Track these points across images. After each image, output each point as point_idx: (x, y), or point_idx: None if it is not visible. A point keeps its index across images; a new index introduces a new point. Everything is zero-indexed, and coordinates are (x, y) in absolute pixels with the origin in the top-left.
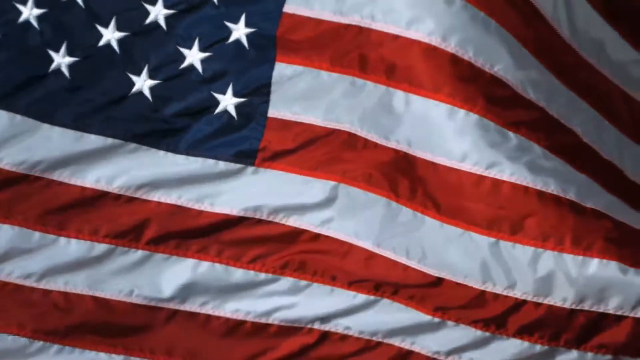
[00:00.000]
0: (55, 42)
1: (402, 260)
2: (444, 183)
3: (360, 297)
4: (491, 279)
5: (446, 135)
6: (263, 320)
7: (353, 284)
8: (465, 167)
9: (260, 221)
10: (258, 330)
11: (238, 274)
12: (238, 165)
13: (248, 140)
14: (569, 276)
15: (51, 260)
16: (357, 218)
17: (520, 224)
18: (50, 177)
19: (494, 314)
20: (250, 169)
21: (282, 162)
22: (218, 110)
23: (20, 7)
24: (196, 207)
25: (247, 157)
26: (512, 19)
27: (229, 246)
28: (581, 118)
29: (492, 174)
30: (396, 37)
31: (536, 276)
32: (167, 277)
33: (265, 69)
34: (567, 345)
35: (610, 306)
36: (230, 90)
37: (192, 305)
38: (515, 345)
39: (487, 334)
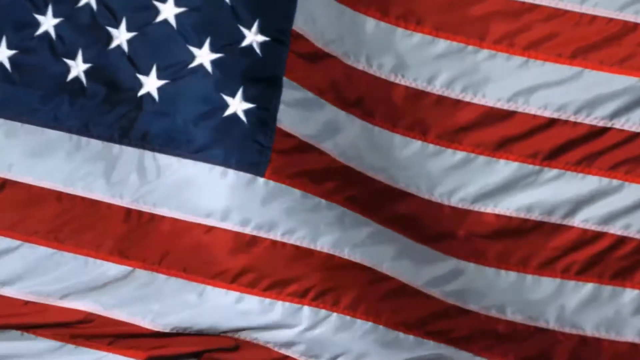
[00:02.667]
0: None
1: None
2: None
3: None
4: None
5: None
6: None
7: None
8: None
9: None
10: None
11: None
12: (248, 176)
13: (257, 149)
14: None
15: None
16: None
17: None
18: None
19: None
20: (261, 180)
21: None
22: (227, 113)
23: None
24: None
25: (257, 167)
26: None
27: None
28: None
29: None
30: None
31: None
32: None
33: (276, 78)
34: None
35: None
36: (240, 95)
37: None
38: None
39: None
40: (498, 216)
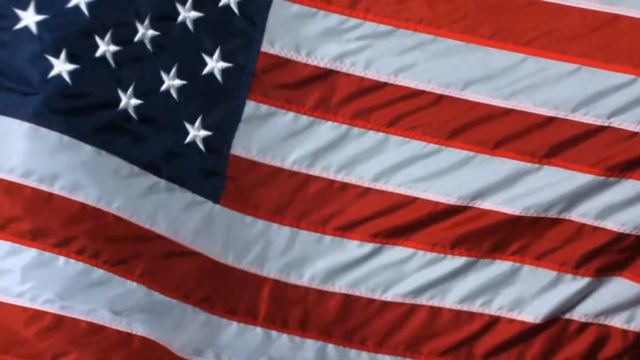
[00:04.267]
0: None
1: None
2: None
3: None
4: None
5: None
6: None
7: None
8: None
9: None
10: None
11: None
12: (203, 200)
13: (212, 177)
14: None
15: None
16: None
17: None
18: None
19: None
20: (216, 207)
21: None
22: (187, 140)
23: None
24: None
25: (212, 193)
26: None
27: None
28: None
29: None
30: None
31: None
32: None
33: (235, 105)
34: None
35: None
36: (199, 122)
37: None
38: None
39: None
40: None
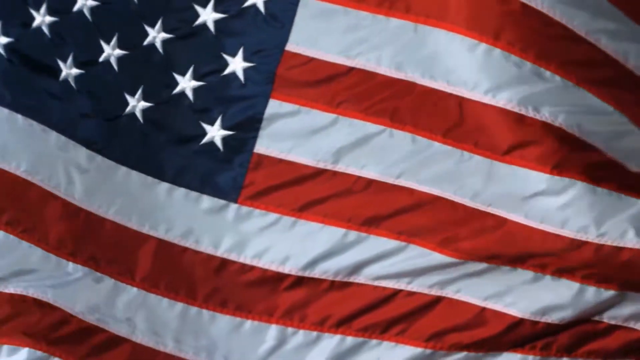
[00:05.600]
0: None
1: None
2: None
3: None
4: None
5: None
6: None
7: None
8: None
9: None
10: None
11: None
12: (221, 202)
13: (233, 176)
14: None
15: None
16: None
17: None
18: None
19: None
20: (233, 206)
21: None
22: (204, 140)
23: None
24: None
25: (231, 193)
26: None
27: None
28: None
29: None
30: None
31: None
32: None
33: (259, 103)
34: (558, 354)
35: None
36: (219, 122)
37: None
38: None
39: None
40: None
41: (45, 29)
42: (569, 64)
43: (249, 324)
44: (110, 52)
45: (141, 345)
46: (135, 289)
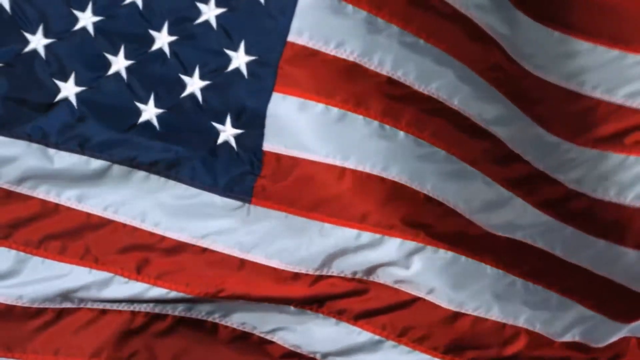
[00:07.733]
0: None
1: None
2: None
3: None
4: None
5: None
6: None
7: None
8: None
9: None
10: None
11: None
12: (236, 203)
13: (245, 176)
14: None
15: None
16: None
17: None
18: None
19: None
20: (247, 206)
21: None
22: (219, 141)
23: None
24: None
25: (245, 193)
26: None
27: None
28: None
29: None
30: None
31: None
32: None
33: (262, 99)
34: None
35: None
36: (229, 122)
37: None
38: None
39: None
40: None
41: (41, 52)
42: None
43: None
44: (119, 64)
45: None
46: None
